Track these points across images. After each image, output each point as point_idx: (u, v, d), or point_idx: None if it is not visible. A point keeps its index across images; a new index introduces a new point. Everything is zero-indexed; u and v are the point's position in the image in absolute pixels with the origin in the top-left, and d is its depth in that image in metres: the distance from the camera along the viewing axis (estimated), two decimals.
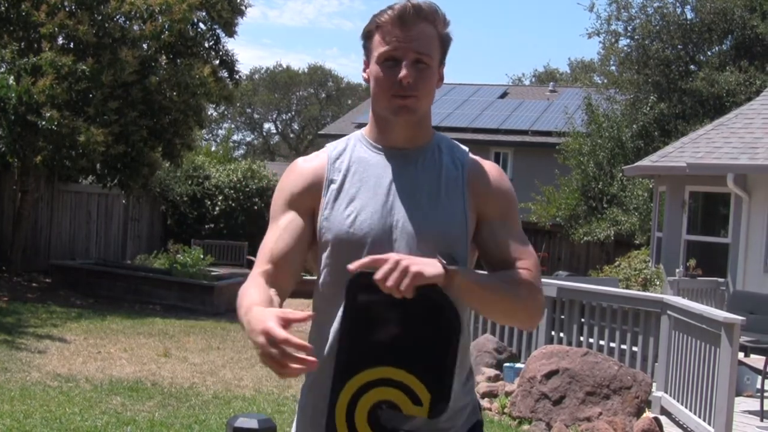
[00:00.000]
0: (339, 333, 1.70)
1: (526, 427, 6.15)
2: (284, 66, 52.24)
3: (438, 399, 1.64)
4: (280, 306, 1.72)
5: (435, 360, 1.65)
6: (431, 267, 1.63)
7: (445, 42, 1.85)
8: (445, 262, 1.66)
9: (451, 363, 1.66)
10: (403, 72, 1.76)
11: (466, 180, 1.85)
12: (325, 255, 1.82)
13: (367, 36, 1.84)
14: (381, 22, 1.80)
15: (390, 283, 1.59)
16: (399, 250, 1.76)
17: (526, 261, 1.83)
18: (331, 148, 1.92)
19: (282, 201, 1.87)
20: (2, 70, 11.32)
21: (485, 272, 1.83)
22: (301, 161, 1.92)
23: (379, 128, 1.87)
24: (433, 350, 1.66)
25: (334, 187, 1.84)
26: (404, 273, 1.59)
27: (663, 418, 6.22)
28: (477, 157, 1.92)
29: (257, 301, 1.64)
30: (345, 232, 1.79)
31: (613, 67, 20.32)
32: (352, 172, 1.85)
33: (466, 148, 1.94)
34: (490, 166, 1.91)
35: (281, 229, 1.84)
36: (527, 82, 45.90)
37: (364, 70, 1.87)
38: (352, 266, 1.64)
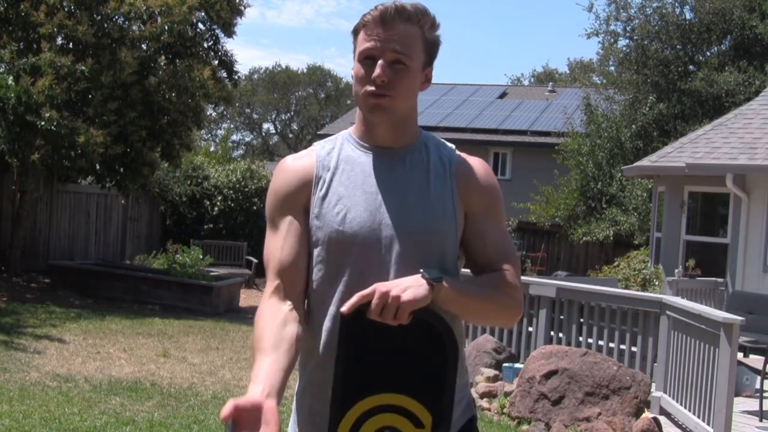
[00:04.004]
0: (335, 363, 1.68)
1: (525, 427, 6.15)
2: (283, 66, 52.24)
3: (439, 420, 1.65)
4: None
5: (434, 381, 1.65)
6: (419, 288, 1.64)
7: (431, 44, 1.84)
8: (428, 276, 1.66)
9: (451, 382, 1.66)
10: (377, 71, 1.76)
11: (454, 176, 1.86)
12: (316, 252, 1.82)
13: (355, 33, 1.85)
14: (365, 21, 1.80)
15: (386, 317, 1.61)
16: (389, 248, 1.77)
17: (509, 260, 1.85)
18: (320, 146, 1.91)
19: (277, 203, 1.87)
20: (1, 70, 11.30)
21: (466, 280, 1.82)
22: (290, 159, 1.92)
23: (365, 127, 1.87)
24: (431, 371, 1.65)
25: (323, 184, 1.84)
26: (396, 304, 1.61)
27: (662, 419, 6.22)
28: (464, 154, 1.93)
29: (267, 349, 1.66)
30: (335, 231, 1.79)
31: (612, 68, 20.35)
32: (340, 171, 1.85)
33: (453, 146, 1.94)
34: (477, 162, 1.91)
35: (283, 236, 1.84)
36: (526, 82, 45.95)
37: (353, 68, 1.86)
38: (345, 309, 1.64)
